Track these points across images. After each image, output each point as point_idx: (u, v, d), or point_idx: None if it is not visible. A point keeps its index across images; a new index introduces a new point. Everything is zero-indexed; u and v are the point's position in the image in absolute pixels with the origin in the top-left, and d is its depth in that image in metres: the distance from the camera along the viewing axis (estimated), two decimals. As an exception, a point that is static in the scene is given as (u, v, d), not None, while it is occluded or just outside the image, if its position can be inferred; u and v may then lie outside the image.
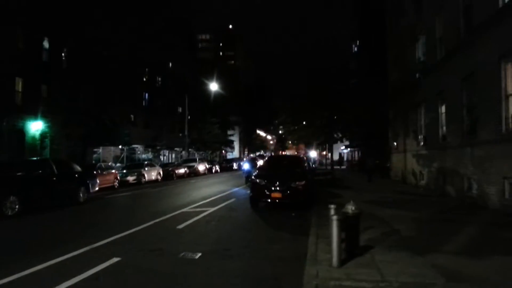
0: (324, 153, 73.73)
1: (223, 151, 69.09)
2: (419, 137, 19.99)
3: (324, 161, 61.94)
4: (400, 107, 24.03)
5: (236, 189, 20.18)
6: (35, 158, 17.76)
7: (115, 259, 6.65)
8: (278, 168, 14.64)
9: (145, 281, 5.71)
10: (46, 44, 28.00)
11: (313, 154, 44.20)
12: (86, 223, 11.24)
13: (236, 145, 75.98)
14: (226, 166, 50.29)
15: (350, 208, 6.39)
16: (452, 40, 14.81)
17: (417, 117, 20.38)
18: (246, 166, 22.14)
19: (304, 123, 30.56)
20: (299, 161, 16.43)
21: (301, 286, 5.14)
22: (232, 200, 15.64)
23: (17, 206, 11.68)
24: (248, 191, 14.83)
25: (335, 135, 30.40)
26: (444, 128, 16.39)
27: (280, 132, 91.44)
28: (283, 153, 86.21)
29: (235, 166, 51.03)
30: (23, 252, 7.39)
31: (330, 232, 6.38)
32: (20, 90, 25.82)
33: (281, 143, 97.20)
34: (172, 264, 6.60)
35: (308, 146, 50.36)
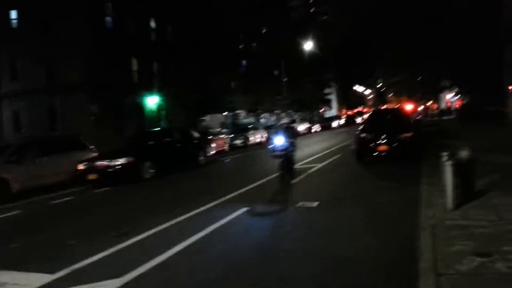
0: (431, 103, 69.43)
1: (321, 110, 68.83)
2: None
3: (430, 112, 58.53)
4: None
5: (340, 145, 20.56)
6: (162, 128, 20.04)
7: (244, 209, 7.71)
8: (383, 121, 14.66)
9: (273, 225, 6.65)
10: (153, 24, 30.45)
11: (411, 106, 42.08)
12: (211, 182, 12.74)
13: (334, 103, 74.96)
14: (325, 124, 50.67)
15: (463, 154, 6.53)
16: None
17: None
18: (278, 140, 10.36)
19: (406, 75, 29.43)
20: (404, 113, 16.18)
21: (417, 227, 5.57)
22: (338, 156, 16.12)
23: (151, 170, 13.61)
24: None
25: (443, 84, 28.77)
26: None
27: (379, 86, 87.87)
28: (383, 107, 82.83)
29: (334, 124, 51.51)
30: (167, 206, 8.85)
31: (443, 179, 6.63)
32: (136, 69, 28.74)
33: (380, 98, 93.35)
34: (293, 211, 7.46)
35: (411, 98, 47.96)
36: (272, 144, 10.62)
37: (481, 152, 11.45)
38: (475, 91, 35.10)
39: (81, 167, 13.12)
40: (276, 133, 10.74)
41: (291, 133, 10.91)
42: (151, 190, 11.80)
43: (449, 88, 32.61)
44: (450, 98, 55.80)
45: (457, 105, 50.76)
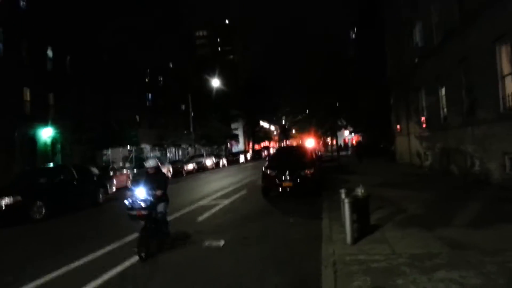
0: (329, 140, 74.38)
1: (229, 145, 69.92)
2: (421, 119, 20.49)
3: (329, 148, 62.52)
4: (401, 91, 24.53)
5: (246, 181, 20.81)
6: (56, 165, 18.48)
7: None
8: (287, 158, 15.21)
9: (176, 267, 6.34)
10: (50, 53, 28.54)
11: (313, 142, 44.87)
12: (111, 222, 11.88)
13: (241, 138, 76.58)
14: (233, 159, 51.34)
15: (359, 190, 6.97)
16: (448, 24, 15.24)
17: (418, 100, 20.85)
18: (141, 192, 7.06)
19: (307, 112, 31.36)
20: (306, 151, 17.01)
21: (319, 263, 5.73)
22: (244, 191, 16.25)
23: (43, 211, 12.35)
24: None
25: (339, 123, 31.12)
26: (445, 109, 16.88)
27: (283, 122, 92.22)
28: (287, 143, 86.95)
29: (241, 159, 52.65)
30: (58, 251, 8.01)
31: (342, 214, 6.98)
32: (28, 99, 26.43)
33: (284, 134, 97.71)
34: (199, 253, 7.22)
35: (313, 134, 51.05)
36: (131, 197, 7.02)
37: (374, 187, 12.39)
38: (368, 130, 38.47)
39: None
40: (139, 182, 7.58)
41: (160, 181, 7.44)
42: (41, 233, 10.63)
43: (344, 127, 35.40)
44: (346, 135, 60.44)
45: (353, 142, 55.14)
